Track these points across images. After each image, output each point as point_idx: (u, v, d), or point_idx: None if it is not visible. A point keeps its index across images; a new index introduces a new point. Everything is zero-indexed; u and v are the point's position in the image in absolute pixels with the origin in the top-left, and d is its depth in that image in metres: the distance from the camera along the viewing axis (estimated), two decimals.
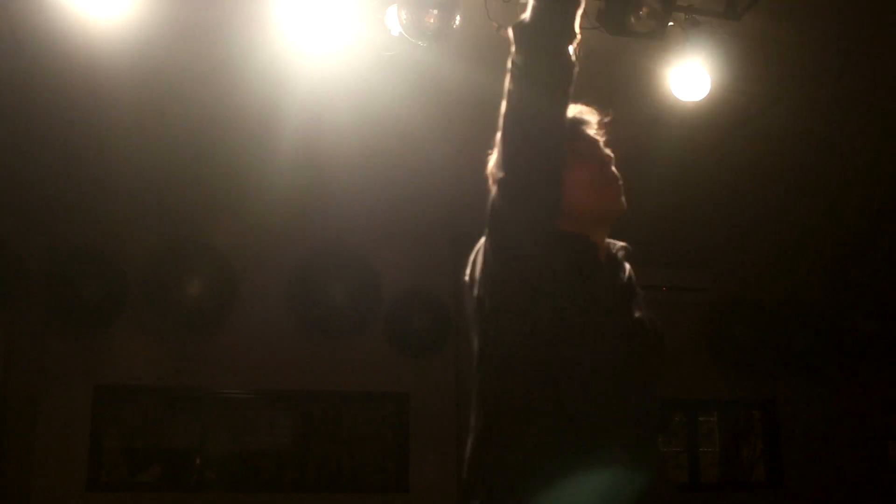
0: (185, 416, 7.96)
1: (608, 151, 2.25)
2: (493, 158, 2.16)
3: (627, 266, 2.28)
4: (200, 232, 7.43)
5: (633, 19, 4.53)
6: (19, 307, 6.87)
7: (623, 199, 2.23)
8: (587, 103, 2.33)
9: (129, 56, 4.89)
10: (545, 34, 2.03)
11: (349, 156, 6.10)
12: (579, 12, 2.07)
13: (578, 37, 2.09)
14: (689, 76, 4.82)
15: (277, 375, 7.78)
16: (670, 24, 4.64)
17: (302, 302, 7.69)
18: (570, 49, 2.06)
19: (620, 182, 2.24)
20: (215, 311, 7.45)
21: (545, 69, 2.02)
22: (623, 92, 5.20)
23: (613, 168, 2.24)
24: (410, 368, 7.96)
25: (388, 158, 6.22)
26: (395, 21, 4.23)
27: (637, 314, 2.18)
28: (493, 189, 2.08)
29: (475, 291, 2.15)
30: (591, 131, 2.27)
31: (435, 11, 4.14)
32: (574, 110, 2.26)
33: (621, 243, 2.30)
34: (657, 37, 4.59)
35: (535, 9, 2.05)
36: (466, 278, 2.20)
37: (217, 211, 7.22)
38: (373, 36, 4.39)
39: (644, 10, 4.52)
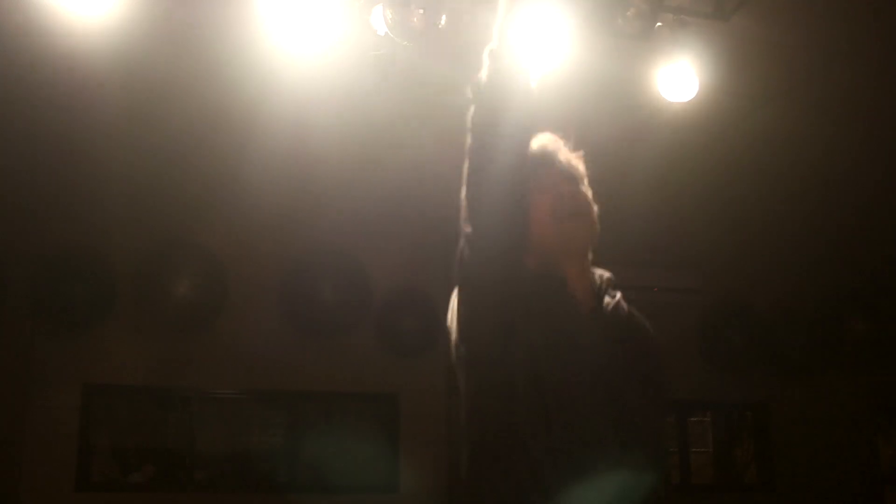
0: (176, 416, 7.94)
1: (571, 184, 2.25)
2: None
3: (616, 294, 2.27)
4: (190, 232, 7.42)
5: (620, 20, 4.52)
6: (8, 306, 6.85)
7: (592, 228, 2.24)
8: (560, 123, 2.34)
9: (116, 56, 4.88)
10: (501, 96, 2.04)
11: (338, 155, 6.08)
12: (534, 72, 2.10)
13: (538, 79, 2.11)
14: (678, 77, 4.81)
15: (268, 375, 7.77)
16: (658, 24, 4.63)
17: (292, 302, 7.68)
18: (529, 106, 2.07)
19: (587, 212, 2.24)
20: (205, 310, 7.43)
21: (505, 129, 2.03)
22: (611, 93, 5.19)
23: (579, 198, 2.24)
24: (400, 369, 7.95)
25: (376, 158, 6.20)
26: (381, 21, 4.22)
27: (621, 340, 2.17)
28: (461, 241, 2.09)
29: (453, 337, 2.18)
30: (554, 164, 2.27)
31: (420, 11, 4.13)
32: (536, 143, 2.27)
33: (606, 274, 2.30)
34: (645, 38, 4.58)
35: (490, 69, 2.07)
36: (448, 323, 2.22)
37: (207, 211, 7.21)
38: (359, 36, 4.38)
39: (632, 10, 4.52)
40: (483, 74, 2.08)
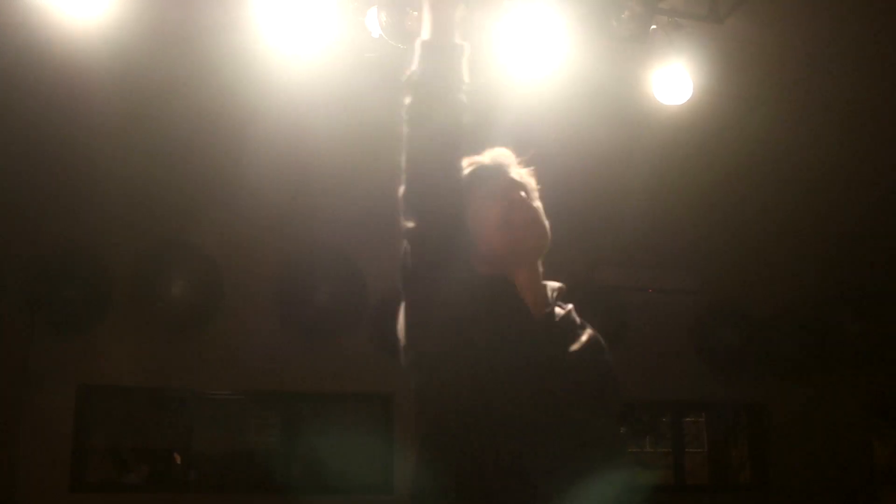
0: (171, 417, 7.94)
1: (523, 192, 2.26)
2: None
3: (568, 305, 2.28)
4: (186, 233, 7.40)
5: (615, 22, 4.53)
6: (3, 307, 6.84)
7: (543, 237, 2.25)
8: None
9: (112, 58, 4.89)
10: (432, 83, 2.07)
11: (333, 157, 6.08)
12: (464, 60, 2.12)
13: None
14: (672, 79, 4.81)
15: (263, 376, 7.76)
16: (653, 27, 4.64)
17: (288, 303, 7.67)
18: (461, 95, 2.09)
19: (539, 221, 2.25)
20: (201, 311, 7.42)
21: (435, 115, 2.05)
22: (606, 95, 5.19)
23: (531, 206, 2.25)
24: (396, 369, 7.87)
25: (371, 160, 6.18)
26: (376, 23, 4.23)
27: (572, 349, 2.17)
28: (404, 244, 2.10)
29: (402, 343, 2.19)
30: (506, 174, 2.29)
31: (415, 14, 4.13)
32: (488, 155, 2.31)
33: (557, 284, 2.31)
34: (640, 40, 4.59)
35: (421, 58, 2.10)
36: (398, 332, 2.22)
37: (203, 212, 7.20)
38: (354, 38, 4.38)
39: (626, 13, 4.53)
40: (415, 65, 2.10)
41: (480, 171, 2.27)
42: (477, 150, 2.33)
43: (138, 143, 6.04)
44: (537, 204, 2.29)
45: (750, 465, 9.43)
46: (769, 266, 8.51)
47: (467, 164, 2.28)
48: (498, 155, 2.33)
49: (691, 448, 10.29)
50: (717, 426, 10.07)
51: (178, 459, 7.74)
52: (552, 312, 2.22)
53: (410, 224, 2.06)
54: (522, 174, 2.31)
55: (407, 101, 2.09)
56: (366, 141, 5.87)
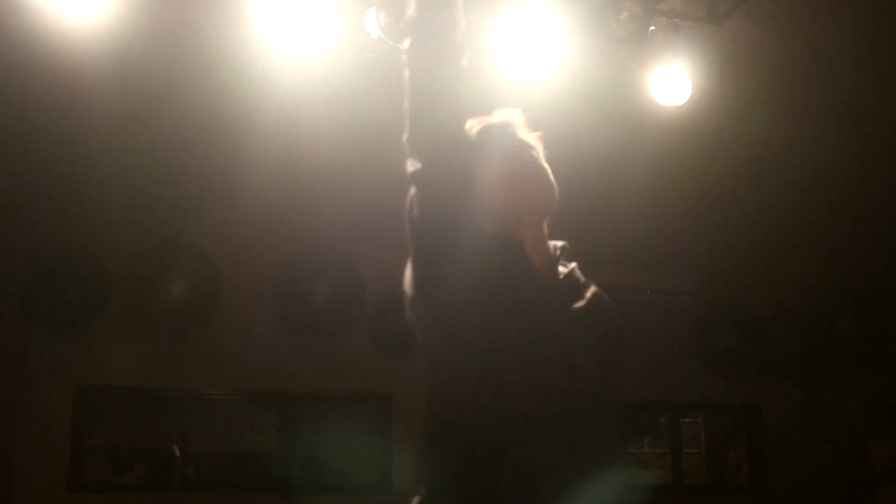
0: (169, 417, 7.94)
1: (533, 152, 2.25)
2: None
3: (571, 264, 2.27)
4: (184, 232, 7.40)
5: (614, 23, 4.53)
6: (0, 306, 6.84)
7: (551, 196, 2.22)
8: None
9: (110, 57, 4.87)
10: (430, 22, 2.10)
11: (331, 157, 6.08)
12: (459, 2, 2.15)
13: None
14: (671, 81, 4.81)
15: (261, 376, 7.75)
16: (651, 28, 4.64)
17: (286, 303, 7.67)
18: (458, 35, 2.12)
19: (547, 179, 2.22)
20: (199, 311, 7.42)
21: (435, 55, 2.08)
22: (605, 96, 5.19)
23: (540, 165, 2.23)
24: (394, 369, 7.94)
25: (369, 160, 6.18)
26: (374, 24, 4.23)
27: (578, 306, 2.15)
28: (411, 190, 2.11)
29: (408, 295, 2.18)
30: (516, 133, 2.27)
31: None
32: (497, 115, 2.31)
33: (560, 243, 2.29)
34: (638, 41, 4.59)
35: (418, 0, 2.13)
36: (404, 287, 2.20)
37: (201, 212, 7.19)
38: (352, 38, 4.38)
39: (625, 14, 4.53)
40: (412, 8, 2.14)
41: (490, 129, 2.26)
42: (484, 111, 2.33)
43: (136, 143, 6.03)
44: (546, 164, 2.27)
45: (747, 466, 9.43)
46: (767, 267, 8.51)
47: (476, 123, 2.29)
48: (508, 115, 2.32)
49: (689, 448, 10.29)
50: (715, 427, 10.07)
51: (177, 452, 7.72)
52: (557, 271, 2.21)
53: (416, 166, 2.07)
54: (531, 136, 2.29)
55: (406, 43, 2.12)
56: (365, 141, 5.87)
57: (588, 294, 2.21)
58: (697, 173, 6.47)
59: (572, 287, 2.21)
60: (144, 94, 5.40)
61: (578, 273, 2.26)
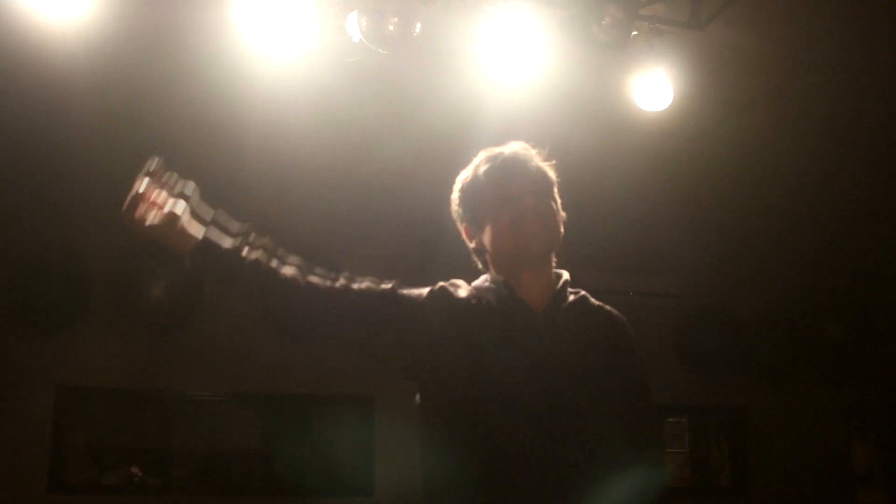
0: (152, 418, 7.89)
1: (536, 197, 2.28)
2: None
3: (579, 292, 2.33)
4: None
5: (595, 29, 4.52)
6: None
7: (551, 239, 2.28)
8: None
9: (93, 58, 4.86)
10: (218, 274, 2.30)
11: (314, 159, 6.07)
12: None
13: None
14: (653, 86, 4.82)
15: (245, 378, 7.72)
16: (634, 33, 4.64)
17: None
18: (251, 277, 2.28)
19: (548, 225, 2.27)
20: (183, 312, 7.39)
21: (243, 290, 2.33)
22: (587, 101, 5.20)
23: (542, 211, 2.27)
24: (378, 372, 7.89)
25: (352, 162, 6.20)
26: (356, 28, 4.22)
27: (569, 340, 2.20)
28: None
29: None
30: (523, 173, 2.30)
31: (395, 19, 4.12)
32: (509, 149, 2.34)
33: (565, 274, 2.34)
34: (620, 46, 4.58)
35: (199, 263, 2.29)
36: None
37: None
38: (334, 42, 4.37)
39: (607, 19, 4.52)
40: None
41: (497, 167, 2.30)
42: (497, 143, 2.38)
43: (118, 142, 6.00)
44: (555, 200, 2.32)
45: (730, 468, 9.46)
46: (751, 270, 8.54)
47: (486, 156, 2.34)
48: (518, 150, 2.34)
49: (672, 449, 10.30)
50: (698, 429, 10.08)
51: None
52: (559, 303, 2.26)
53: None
54: (541, 168, 2.33)
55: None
56: (346, 143, 5.88)
57: (595, 324, 2.29)
58: (679, 177, 6.49)
59: (578, 316, 2.27)
60: (126, 94, 5.38)
61: (590, 300, 2.33)
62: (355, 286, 2.27)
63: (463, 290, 2.28)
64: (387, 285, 2.28)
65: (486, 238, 2.31)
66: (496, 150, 2.35)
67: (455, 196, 2.42)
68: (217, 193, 6.28)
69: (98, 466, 7.69)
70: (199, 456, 7.86)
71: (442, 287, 2.28)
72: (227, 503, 7.66)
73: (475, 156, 2.39)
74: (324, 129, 5.58)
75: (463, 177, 2.40)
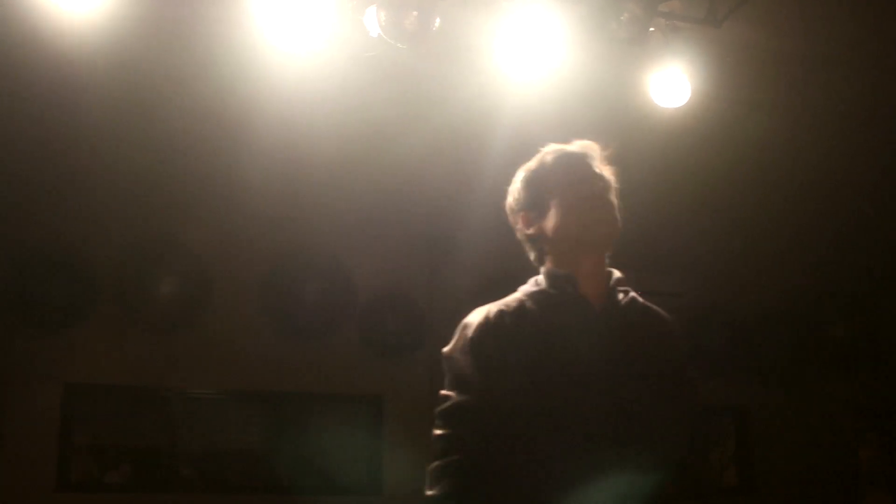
0: (157, 416, 7.86)
1: (604, 186, 2.32)
2: None
3: (630, 291, 2.35)
4: (173, 230, 7.35)
5: (614, 24, 4.51)
6: None
7: (613, 232, 2.31)
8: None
9: (104, 53, 4.83)
10: None
11: (325, 156, 6.05)
12: None
13: None
14: (670, 82, 4.81)
15: (250, 376, 7.70)
16: (651, 29, 4.63)
17: (275, 302, 7.62)
18: None
19: (612, 213, 2.31)
20: (188, 310, 7.37)
21: None
22: (603, 97, 5.19)
23: (607, 199, 2.31)
24: (384, 370, 7.91)
25: (364, 160, 6.17)
26: (374, 22, 4.19)
27: (623, 339, 2.22)
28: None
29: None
30: (592, 165, 2.35)
31: (414, 13, 4.10)
32: (579, 144, 2.39)
33: (618, 273, 2.36)
34: (638, 42, 4.58)
35: None
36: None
37: (190, 210, 7.15)
38: (352, 37, 4.35)
39: (625, 15, 4.51)
40: None
41: (568, 154, 2.37)
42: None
43: (127, 139, 5.99)
44: (614, 200, 2.35)
45: (735, 468, 9.45)
46: (757, 269, 8.53)
47: (554, 147, 2.40)
48: (585, 146, 2.40)
49: None
50: (701, 429, 10.07)
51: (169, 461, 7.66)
52: (614, 301, 2.28)
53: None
54: (605, 170, 2.37)
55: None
56: (360, 140, 5.86)
57: (650, 324, 2.33)
58: (693, 175, 6.47)
59: (631, 315, 2.29)
60: (136, 90, 5.36)
61: (639, 299, 2.36)
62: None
63: (497, 307, 2.27)
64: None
65: (550, 221, 2.31)
66: (563, 145, 2.41)
67: (516, 185, 2.44)
68: (226, 187, 6.28)
69: (104, 464, 7.66)
70: (206, 453, 7.85)
71: (474, 328, 2.25)
72: (233, 501, 7.64)
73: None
74: (340, 124, 5.55)
75: (527, 167, 2.43)
